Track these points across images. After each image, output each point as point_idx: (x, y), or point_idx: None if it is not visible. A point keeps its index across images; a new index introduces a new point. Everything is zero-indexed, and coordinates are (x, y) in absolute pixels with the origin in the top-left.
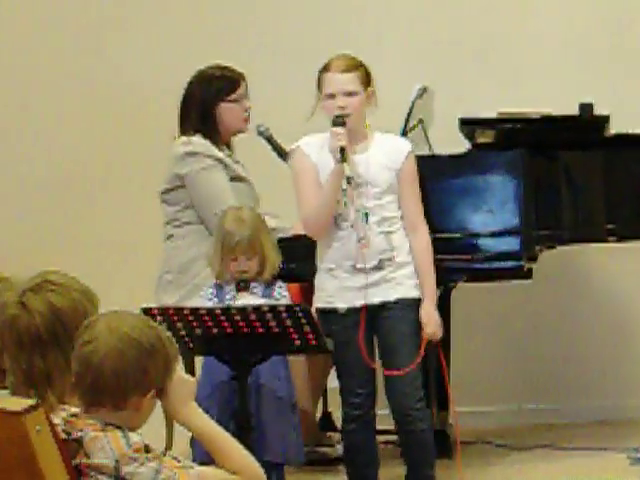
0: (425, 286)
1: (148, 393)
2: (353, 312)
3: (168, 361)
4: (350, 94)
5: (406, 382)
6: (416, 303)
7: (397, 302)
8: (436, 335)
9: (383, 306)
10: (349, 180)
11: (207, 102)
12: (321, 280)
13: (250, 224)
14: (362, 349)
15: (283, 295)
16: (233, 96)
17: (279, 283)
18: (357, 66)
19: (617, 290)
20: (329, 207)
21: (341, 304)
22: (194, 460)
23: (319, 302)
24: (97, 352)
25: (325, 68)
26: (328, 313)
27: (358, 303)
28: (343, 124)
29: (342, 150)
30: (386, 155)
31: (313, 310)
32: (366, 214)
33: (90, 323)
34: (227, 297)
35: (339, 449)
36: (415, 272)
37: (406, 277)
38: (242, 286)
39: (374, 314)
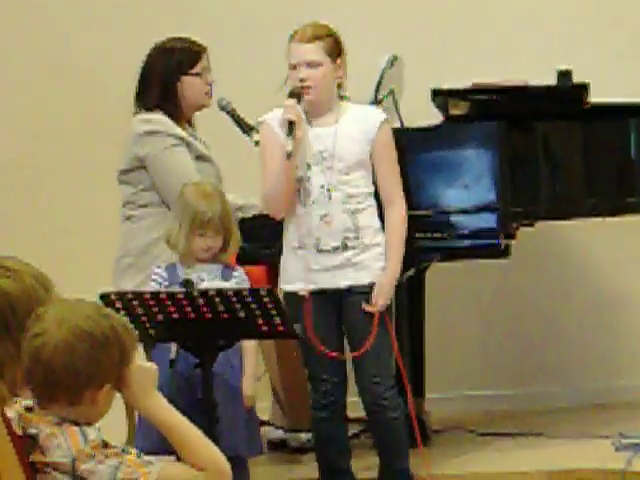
0: (388, 260)
1: (104, 386)
2: (317, 295)
3: (124, 352)
4: (312, 65)
5: (377, 370)
6: None
7: (362, 287)
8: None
9: (348, 290)
10: (289, 155)
11: (168, 76)
12: (285, 260)
13: (219, 199)
14: (312, 338)
15: (242, 280)
16: (195, 69)
17: (237, 270)
18: (323, 35)
19: (597, 267)
20: (281, 184)
21: (304, 286)
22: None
23: (283, 283)
24: (46, 346)
25: (291, 37)
26: (292, 295)
27: (321, 286)
28: (299, 97)
29: (290, 124)
30: (357, 127)
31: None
32: (329, 190)
33: (40, 314)
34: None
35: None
36: (385, 253)
37: (373, 260)
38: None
39: (339, 298)
